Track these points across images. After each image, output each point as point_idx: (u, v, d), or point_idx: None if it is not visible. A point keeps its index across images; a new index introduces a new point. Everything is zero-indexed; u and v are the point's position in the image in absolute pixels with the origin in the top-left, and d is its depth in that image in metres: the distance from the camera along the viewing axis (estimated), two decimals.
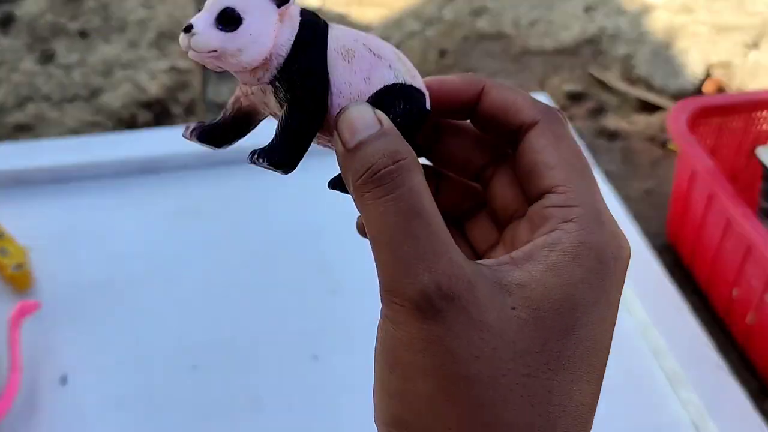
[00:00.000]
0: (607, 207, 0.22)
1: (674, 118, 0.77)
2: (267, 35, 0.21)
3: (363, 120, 0.20)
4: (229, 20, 0.20)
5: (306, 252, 0.81)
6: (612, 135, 1.09)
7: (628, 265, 0.22)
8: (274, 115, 0.24)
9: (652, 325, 0.74)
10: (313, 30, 0.22)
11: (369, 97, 0.22)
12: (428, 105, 0.24)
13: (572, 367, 0.20)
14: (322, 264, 0.79)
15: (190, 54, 0.21)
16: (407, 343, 0.19)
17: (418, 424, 0.19)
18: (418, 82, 0.24)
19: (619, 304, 0.23)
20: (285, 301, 0.75)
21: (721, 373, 0.70)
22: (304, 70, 0.21)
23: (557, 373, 0.19)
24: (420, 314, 0.18)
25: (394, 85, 0.22)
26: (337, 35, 0.22)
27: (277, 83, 0.22)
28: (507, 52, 1.30)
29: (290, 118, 0.22)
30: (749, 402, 0.67)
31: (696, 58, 1.28)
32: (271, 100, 0.23)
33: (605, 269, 0.21)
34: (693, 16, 1.38)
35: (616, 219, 0.23)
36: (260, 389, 0.66)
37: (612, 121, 1.11)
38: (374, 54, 0.23)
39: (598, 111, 1.16)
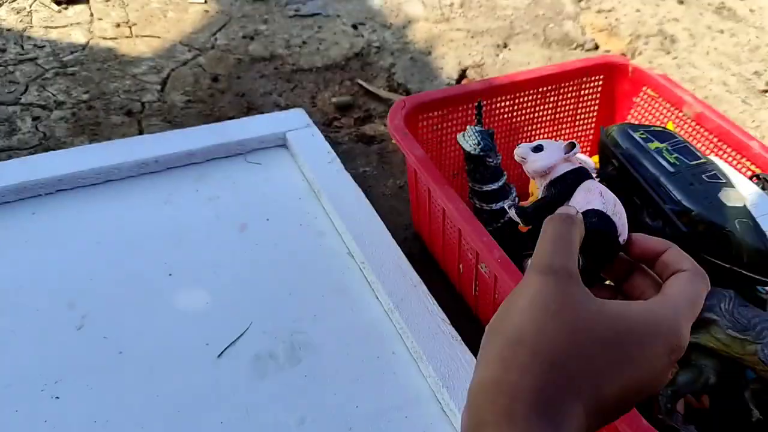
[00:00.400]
0: (687, 321, 0.34)
1: (392, 115, 0.82)
2: (551, 161, 0.44)
3: (568, 209, 0.36)
4: (537, 148, 0.45)
5: (54, 289, 0.79)
6: (370, 139, 1.15)
7: (677, 355, 0.33)
8: None
9: (394, 309, 0.79)
10: (578, 173, 0.43)
11: (581, 210, 0.39)
12: (621, 239, 0.39)
13: (611, 368, 0.31)
14: (72, 299, 0.78)
15: (517, 154, 0.47)
16: (522, 282, 0.33)
17: (508, 322, 0.32)
18: (619, 222, 0.40)
19: (652, 372, 0.32)
20: (26, 340, 0.73)
21: (455, 343, 0.76)
22: (562, 187, 0.43)
23: (599, 359, 0.31)
24: (537, 271, 0.33)
25: (598, 210, 0.40)
26: (591, 180, 0.43)
27: (547, 188, 0.44)
28: (280, 72, 1.34)
29: (541, 201, 0.44)
30: None
31: (453, 61, 1.38)
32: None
33: (656, 332, 0.32)
34: (450, 24, 1.50)
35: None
36: None
37: (371, 127, 1.18)
38: (600, 195, 0.42)
39: (366, 119, 1.22)
